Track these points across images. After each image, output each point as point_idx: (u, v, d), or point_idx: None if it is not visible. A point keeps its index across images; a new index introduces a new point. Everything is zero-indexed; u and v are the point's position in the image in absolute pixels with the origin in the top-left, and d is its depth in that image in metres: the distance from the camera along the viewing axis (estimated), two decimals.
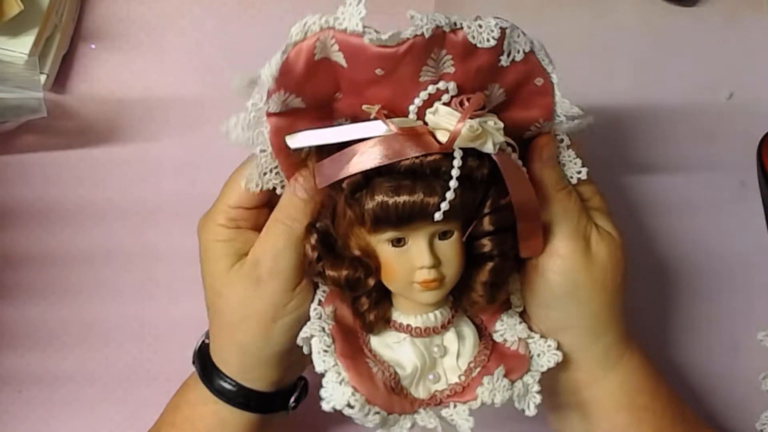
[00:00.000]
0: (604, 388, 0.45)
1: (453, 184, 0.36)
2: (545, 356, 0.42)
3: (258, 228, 0.43)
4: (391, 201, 0.37)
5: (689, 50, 0.62)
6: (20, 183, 0.57)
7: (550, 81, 0.41)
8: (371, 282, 0.39)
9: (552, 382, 0.46)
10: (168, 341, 0.56)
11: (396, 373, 0.40)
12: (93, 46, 0.59)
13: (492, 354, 0.42)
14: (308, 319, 0.41)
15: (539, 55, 0.40)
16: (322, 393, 0.38)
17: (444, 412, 0.40)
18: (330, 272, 0.39)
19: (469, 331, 0.42)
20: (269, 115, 0.40)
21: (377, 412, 0.38)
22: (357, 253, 0.39)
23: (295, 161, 0.41)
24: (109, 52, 0.59)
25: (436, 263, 0.38)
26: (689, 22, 0.62)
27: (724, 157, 0.61)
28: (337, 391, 0.38)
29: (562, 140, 0.43)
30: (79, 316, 0.56)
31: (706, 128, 0.61)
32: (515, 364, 0.41)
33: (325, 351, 0.39)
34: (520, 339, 0.42)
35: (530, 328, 0.44)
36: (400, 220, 0.37)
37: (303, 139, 0.39)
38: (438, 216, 0.37)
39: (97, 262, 0.56)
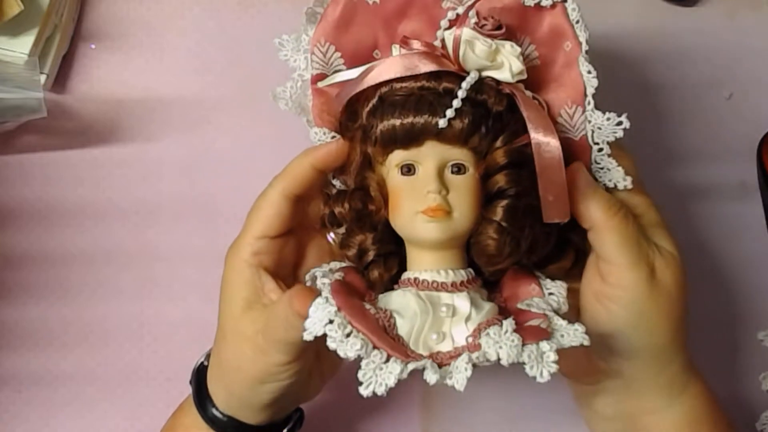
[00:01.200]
0: (667, 418, 0.43)
1: (461, 93, 0.37)
2: (569, 336, 0.36)
3: (281, 261, 0.43)
4: (398, 119, 0.38)
5: (689, 50, 0.62)
6: (20, 183, 0.57)
7: (579, 47, 0.40)
8: (376, 214, 0.40)
9: (610, 407, 0.45)
10: (168, 341, 0.56)
11: (393, 317, 0.37)
12: (93, 46, 0.59)
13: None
14: (297, 386, 0.42)
15: (572, 15, 0.40)
16: (306, 324, 0.35)
17: (443, 370, 0.35)
18: (337, 208, 0.40)
19: (486, 304, 0.38)
20: (314, 92, 0.43)
21: (361, 338, 0.34)
22: (373, 194, 0.40)
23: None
24: (109, 52, 0.59)
25: (444, 190, 0.38)
26: (689, 22, 0.62)
27: (724, 157, 0.61)
28: (320, 312, 0.35)
29: (601, 149, 0.41)
30: (79, 316, 0.56)
31: (706, 128, 0.61)
32: (533, 332, 0.36)
33: (322, 285, 0.38)
34: (545, 313, 0.37)
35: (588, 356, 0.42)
36: (407, 137, 0.38)
37: (333, 78, 0.42)
38: (442, 123, 0.37)
39: (97, 262, 0.56)
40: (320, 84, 0.43)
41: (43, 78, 0.54)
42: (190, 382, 0.46)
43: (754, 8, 0.63)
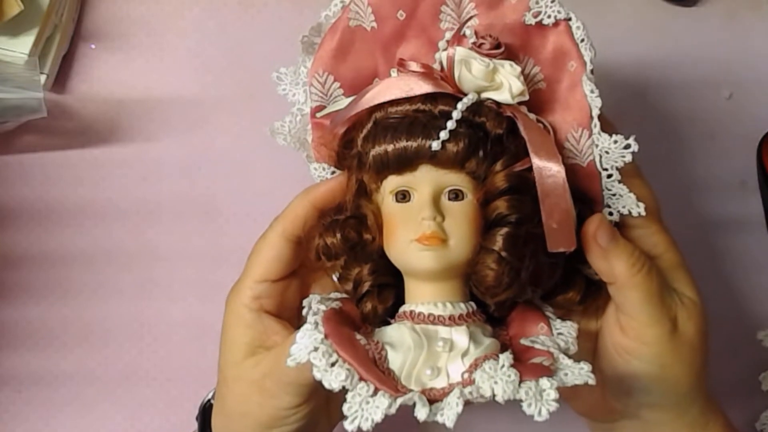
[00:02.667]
0: None
1: (456, 114, 0.36)
2: (573, 375, 0.34)
3: (284, 304, 0.41)
4: (390, 143, 0.36)
5: (689, 50, 0.62)
6: (20, 183, 0.57)
7: (584, 66, 0.38)
8: (371, 243, 0.38)
9: None
10: (168, 341, 0.56)
11: (385, 350, 0.35)
12: (93, 46, 0.59)
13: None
14: (306, 428, 0.40)
15: (577, 33, 0.38)
16: (291, 349, 0.34)
17: (434, 406, 0.33)
18: (329, 238, 0.38)
19: (486, 339, 0.36)
20: (315, 125, 0.41)
21: (346, 368, 0.32)
22: (369, 222, 0.38)
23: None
24: (109, 52, 0.59)
25: (439, 217, 0.36)
26: (689, 22, 0.62)
27: (724, 157, 0.61)
28: (306, 339, 0.33)
29: (610, 175, 0.39)
30: (79, 316, 0.56)
31: (706, 128, 0.61)
32: (533, 369, 0.34)
33: (315, 313, 0.36)
34: (550, 350, 0.35)
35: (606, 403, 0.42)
36: (400, 161, 0.36)
37: (332, 107, 0.41)
38: (436, 145, 0.35)
39: (97, 262, 0.56)
40: (318, 114, 0.41)
41: (43, 78, 0.54)
42: (196, 418, 0.46)
43: (754, 8, 0.63)
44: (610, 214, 0.40)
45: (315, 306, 0.37)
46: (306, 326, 0.34)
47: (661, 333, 0.39)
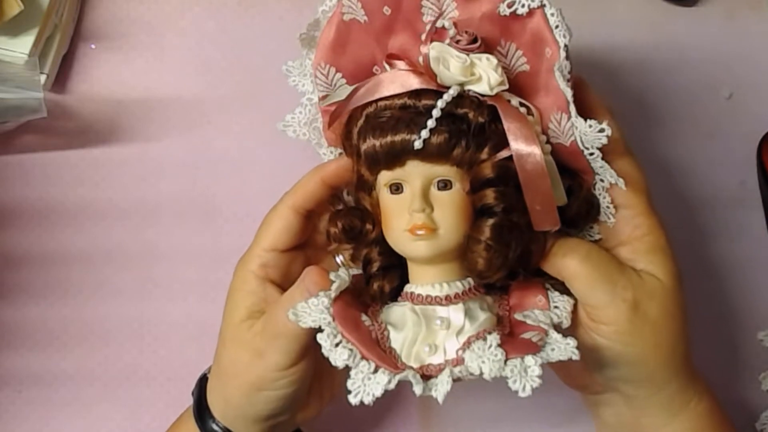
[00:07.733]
0: None
1: (435, 113, 0.37)
2: (558, 350, 0.36)
3: (289, 276, 0.43)
4: (377, 140, 0.38)
5: (689, 50, 0.62)
6: (20, 183, 0.57)
7: (558, 53, 0.39)
8: (370, 230, 0.41)
9: (613, 417, 0.46)
10: (168, 341, 0.56)
11: (387, 330, 0.38)
12: (93, 46, 0.59)
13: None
14: (294, 401, 0.43)
15: (551, 20, 0.39)
16: (299, 310, 0.38)
17: (429, 382, 0.36)
18: (332, 228, 0.41)
19: (482, 314, 0.39)
20: (323, 112, 0.44)
21: (349, 348, 0.36)
22: (369, 213, 0.41)
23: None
24: (109, 52, 0.59)
25: (428, 209, 0.38)
26: (689, 22, 0.62)
27: (724, 157, 0.61)
28: (314, 312, 0.37)
29: (592, 153, 0.41)
30: (79, 316, 0.56)
31: (706, 128, 0.61)
32: (521, 346, 0.36)
33: (339, 276, 0.39)
34: (540, 326, 0.38)
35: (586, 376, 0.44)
36: (388, 158, 0.39)
37: (332, 97, 0.42)
38: (417, 144, 0.37)
39: (97, 262, 0.56)
40: (321, 104, 0.43)
41: (43, 78, 0.54)
42: (192, 393, 0.46)
43: (754, 8, 0.63)
44: (602, 180, 0.42)
45: (332, 276, 0.40)
46: (323, 299, 0.38)
47: (616, 314, 0.40)
